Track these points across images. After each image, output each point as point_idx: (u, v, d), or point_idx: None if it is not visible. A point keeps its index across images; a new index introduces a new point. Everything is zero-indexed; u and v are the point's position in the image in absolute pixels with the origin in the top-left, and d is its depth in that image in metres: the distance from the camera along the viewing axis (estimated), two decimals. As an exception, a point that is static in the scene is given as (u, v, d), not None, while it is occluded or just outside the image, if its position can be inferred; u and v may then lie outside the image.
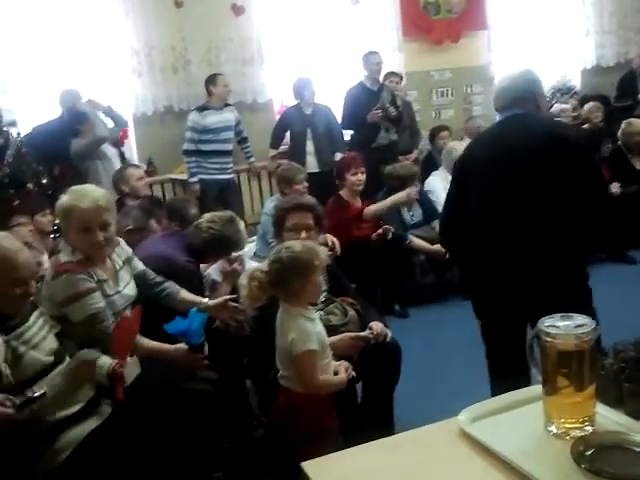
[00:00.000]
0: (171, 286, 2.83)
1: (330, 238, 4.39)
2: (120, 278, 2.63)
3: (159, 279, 2.83)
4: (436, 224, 5.02)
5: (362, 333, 2.70)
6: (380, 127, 6.12)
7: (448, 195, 2.87)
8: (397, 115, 6.16)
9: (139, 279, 2.75)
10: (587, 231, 2.53)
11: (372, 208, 4.67)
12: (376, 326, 2.77)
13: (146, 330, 2.55)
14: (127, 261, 2.74)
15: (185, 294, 2.82)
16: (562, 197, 2.48)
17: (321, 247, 2.59)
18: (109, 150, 5.62)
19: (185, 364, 2.55)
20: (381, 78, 6.34)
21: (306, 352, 2.26)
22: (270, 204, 4.67)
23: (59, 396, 2.11)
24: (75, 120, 5.44)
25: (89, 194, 2.54)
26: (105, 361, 2.29)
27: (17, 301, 2.14)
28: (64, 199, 2.51)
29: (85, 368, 2.16)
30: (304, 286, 2.33)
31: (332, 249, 3.99)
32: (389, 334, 2.82)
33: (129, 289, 2.66)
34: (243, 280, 2.57)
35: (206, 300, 2.79)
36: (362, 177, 4.79)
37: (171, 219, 3.75)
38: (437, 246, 4.79)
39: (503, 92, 2.75)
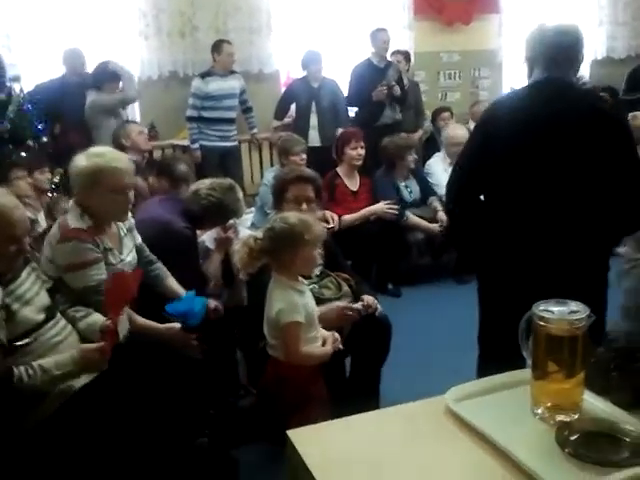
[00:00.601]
0: (160, 268, 2.86)
1: (329, 214, 4.39)
2: (124, 245, 2.64)
3: (152, 258, 2.84)
4: (432, 201, 5.08)
5: (352, 304, 2.72)
6: (385, 105, 6.08)
7: (463, 160, 2.50)
8: (402, 94, 6.13)
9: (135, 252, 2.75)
10: (623, 214, 2.30)
11: (347, 219, 4.61)
12: (367, 298, 2.81)
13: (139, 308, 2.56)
14: (130, 229, 2.74)
15: (171, 281, 2.84)
16: (601, 178, 2.26)
17: (317, 222, 2.58)
18: (122, 112, 5.60)
19: (175, 343, 2.55)
20: (388, 56, 6.29)
21: (291, 323, 2.28)
22: (269, 174, 4.66)
23: (65, 376, 2.10)
24: (105, 78, 5.42)
25: (121, 156, 2.56)
26: (97, 318, 2.30)
27: (11, 259, 2.12)
28: (94, 160, 2.47)
29: (97, 356, 2.13)
30: (293, 258, 2.34)
31: (331, 225, 3.99)
32: (379, 308, 2.84)
33: (131, 257, 2.66)
34: (236, 246, 2.57)
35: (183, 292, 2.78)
36: (361, 152, 4.79)
37: (159, 175, 3.74)
38: (434, 225, 4.90)
39: (549, 48, 2.34)
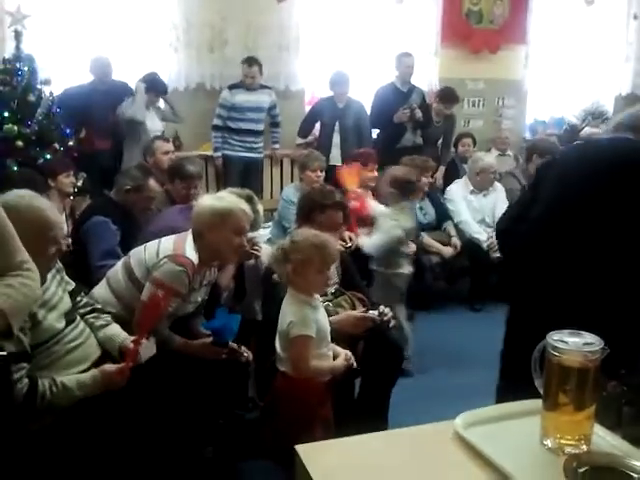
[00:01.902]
0: None
1: (347, 234, 4.40)
2: (199, 292, 2.74)
3: None
4: (447, 225, 5.10)
5: (368, 313, 2.74)
6: (406, 129, 6.12)
7: (520, 196, 2.69)
8: (425, 119, 6.16)
9: None
10: None
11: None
12: (382, 307, 2.84)
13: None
14: (208, 283, 2.82)
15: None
16: None
17: (335, 241, 2.61)
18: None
19: (206, 356, 2.61)
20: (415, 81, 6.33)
21: (301, 336, 2.30)
22: (289, 190, 4.69)
23: (84, 395, 2.13)
24: (153, 87, 5.65)
25: (246, 204, 2.73)
26: (117, 331, 2.34)
27: (51, 260, 2.17)
28: (225, 202, 2.66)
29: (116, 378, 2.17)
30: (306, 275, 2.36)
31: (348, 245, 4.00)
32: (393, 321, 2.89)
33: (200, 297, 2.77)
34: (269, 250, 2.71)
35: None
36: (372, 175, 4.77)
37: (171, 177, 3.79)
38: (447, 248, 4.95)
39: (623, 116, 2.48)
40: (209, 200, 2.71)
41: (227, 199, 2.72)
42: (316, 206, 3.07)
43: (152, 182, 3.71)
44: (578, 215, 2.31)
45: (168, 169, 3.98)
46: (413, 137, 6.21)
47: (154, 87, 5.65)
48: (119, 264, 2.74)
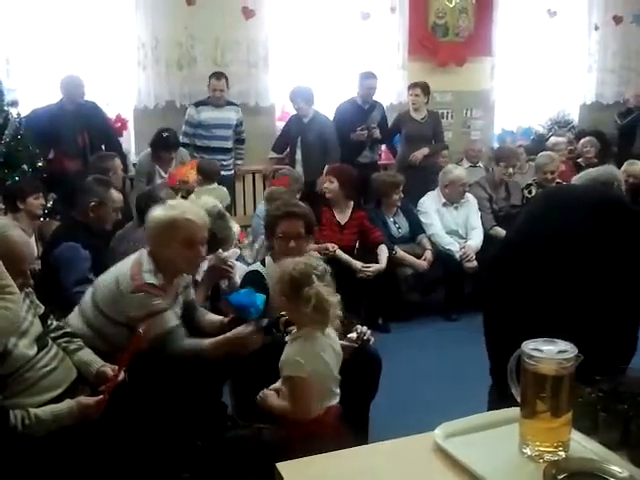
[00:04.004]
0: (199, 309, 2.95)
1: (330, 245, 4.47)
2: (177, 303, 2.68)
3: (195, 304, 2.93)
4: (421, 239, 5.15)
5: (346, 342, 2.73)
6: (364, 146, 6.19)
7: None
8: (383, 136, 6.26)
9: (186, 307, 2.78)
10: None
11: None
12: (360, 327, 2.81)
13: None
14: (186, 287, 2.77)
15: (208, 315, 2.94)
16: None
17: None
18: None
19: (243, 348, 2.53)
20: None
21: (291, 377, 2.23)
22: (261, 207, 4.69)
23: (59, 426, 2.08)
24: (165, 145, 5.58)
25: (198, 209, 2.63)
26: (92, 358, 2.32)
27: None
28: (171, 212, 2.53)
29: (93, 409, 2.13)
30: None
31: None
32: (372, 338, 2.86)
33: (179, 313, 2.70)
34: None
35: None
36: (328, 185, 4.89)
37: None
38: (421, 261, 4.98)
39: (598, 172, 2.87)
40: (157, 211, 2.58)
41: (175, 208, 2.58)
42: (274, 219, 3.10)
43: (114, 192, 3.71)
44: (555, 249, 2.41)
45: (137, 203, 3.89)
46: (371, 154, 6.31)
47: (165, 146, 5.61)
48: (87, 295, 2.66)
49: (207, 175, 5.24)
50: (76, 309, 2.69)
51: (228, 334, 2.54)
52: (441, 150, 6.41)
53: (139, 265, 2.53)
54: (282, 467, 1.47)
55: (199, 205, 3.46)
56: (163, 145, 5.56)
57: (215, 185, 5.20)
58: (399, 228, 5.20)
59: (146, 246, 2.63)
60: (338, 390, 2.37)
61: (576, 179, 2.96)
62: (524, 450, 1.47)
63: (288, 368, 2.24)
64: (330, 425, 2.28)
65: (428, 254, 5.03)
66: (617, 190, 2.83)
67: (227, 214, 3.31)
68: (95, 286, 2.65)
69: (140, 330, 2.31)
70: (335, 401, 2.35)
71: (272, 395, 2.29)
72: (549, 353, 1.43)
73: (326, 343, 2.34)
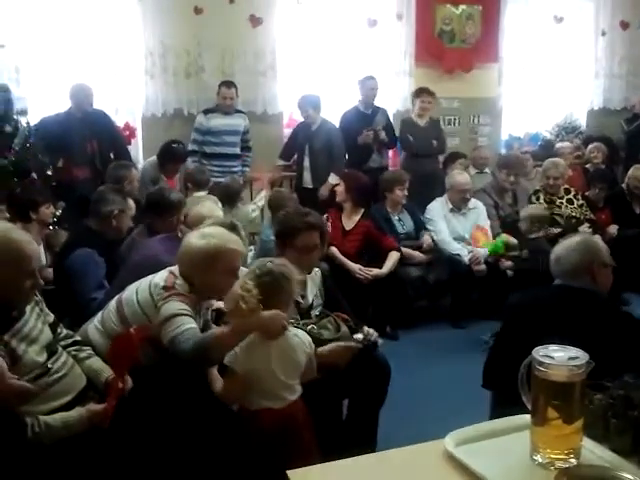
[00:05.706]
0: None
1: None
2: (197, 321, 2.62)
3: None
4: (422, 234, 5.23)
5: (354, 337, 2.74)
6: (372, 150, 6.20)
7: (498, 336, 2.77)
8: (389, 139, 6.27)
9: None
10: None
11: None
12: (367, 328, 2.82)
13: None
14: (207, 308, 2.72)
15: None
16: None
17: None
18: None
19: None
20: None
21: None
22: (268, 231, 4.62)
23: (69, 433, 2.08)
24: (171, 158, 5.59)
25: (236, 239, 2.61)
26: (101, 366, 2.31)
27: (27, 293, 2.14)
28: (213, 241, 2.48)
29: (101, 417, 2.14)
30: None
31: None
32: (380, 341, 2.87)
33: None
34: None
35: None
36: (339, 189, 5.05)
37: (153, 209, 3.77)
38: (425, 255, 5.12)
39: (557, 262, 2.67)
40: (196, 239, 2.52)
41: (216, 236, 2.53)
42: (293, 231, 3.00)
43: (130, 201, 3.77)
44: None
45: (147, 201, 3.91)
46: (379, 158, 6.31)
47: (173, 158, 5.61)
48: (112, 309, 2.58)
49: (197, 183, 5.20)
50: (95, 322, 2.62)
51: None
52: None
53: (173, 279, 2.50)
54: (293, 475, 1.47)
55: (206, 210, 3.47)
56: (171, 157, 5.58)
57: (204, 193, 5.08)
58: (403, 225, 5.27)
59: (174, 265, 2.58)
60: (290, 396, 2.38)
61: (556, 250, 2.74)
62: (535, 457, 1.47)
63: (228, 356, 2.35)
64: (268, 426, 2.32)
65: (427, 239, 5.15)
66: (595, 269, 2.65)
67: (238, 225, 3.26)
68: (122, 302, 2.56)
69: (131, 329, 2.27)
70: (278, 405, 2.35)
71: (218, 380, 2.43)
72: (560, 360, 1.43)
73: (282, 348, 2.39)
